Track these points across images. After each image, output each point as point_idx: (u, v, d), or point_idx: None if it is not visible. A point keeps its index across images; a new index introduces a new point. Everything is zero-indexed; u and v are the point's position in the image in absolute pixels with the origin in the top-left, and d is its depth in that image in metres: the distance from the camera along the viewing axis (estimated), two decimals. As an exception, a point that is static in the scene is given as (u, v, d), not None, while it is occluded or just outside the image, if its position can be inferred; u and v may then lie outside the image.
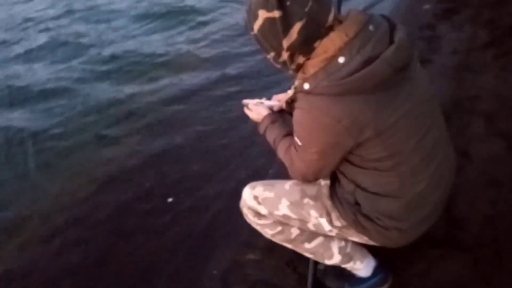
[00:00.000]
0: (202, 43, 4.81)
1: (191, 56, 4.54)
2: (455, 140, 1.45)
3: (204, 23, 5.31)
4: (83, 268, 2.25)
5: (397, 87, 1.12)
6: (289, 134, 1.45)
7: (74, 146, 3.30)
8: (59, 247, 2.41)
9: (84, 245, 2.40)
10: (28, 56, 5.08)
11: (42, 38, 5.50)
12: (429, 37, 3.43)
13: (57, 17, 6.28)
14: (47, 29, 5.87)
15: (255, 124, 1.68)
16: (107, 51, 4.84)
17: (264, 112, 1.62)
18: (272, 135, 1.53)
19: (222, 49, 4.59)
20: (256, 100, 1.69)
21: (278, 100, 1.70)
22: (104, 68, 4.51)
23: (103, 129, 3.47)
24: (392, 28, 1.13)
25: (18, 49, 5.30)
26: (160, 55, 4.60)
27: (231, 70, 4.07)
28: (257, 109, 1.66)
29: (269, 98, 1.73)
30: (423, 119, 1.21)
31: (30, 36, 5.72)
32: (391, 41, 1.09)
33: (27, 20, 6.32)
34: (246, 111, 1.70)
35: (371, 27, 1.10)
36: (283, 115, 1.63)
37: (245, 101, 1.71)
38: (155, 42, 4.98)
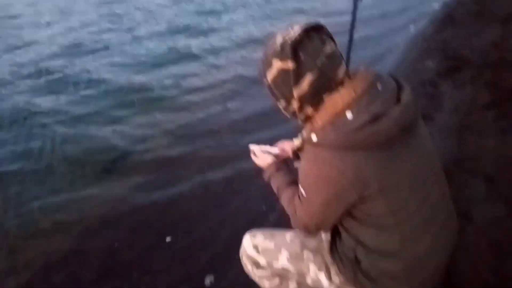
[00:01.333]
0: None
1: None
2: (456, 200, 1.45)
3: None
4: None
5: (402, 146, 1.14)
6: (293, 183, 1.46)
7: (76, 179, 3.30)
8: (50, 279, 2.37)
9: (76, 279, 2.36)
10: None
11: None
12: (431, 94, 3.51)
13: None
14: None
15: (259, 170, 1.70)
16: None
17: (270, 159, 1.65)
18: (276, 183, 1.54)
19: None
20: (262, 147, 1.71)
21: (282, 149, 1.72)
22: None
23: (108, 162, 3.48)
24: (399, 88, 1.16)
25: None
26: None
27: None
28: (263, 156, 1.68)
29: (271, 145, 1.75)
30: (426, 178, 1.23)
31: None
32: (398, 101, 1.13)
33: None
34: (253, 157, 1.72)
35: (379, 86, 1.14)
36: (288, 164, 1.65)
37: (252, 146, 1.73)
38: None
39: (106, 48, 6.64)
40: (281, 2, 8.40)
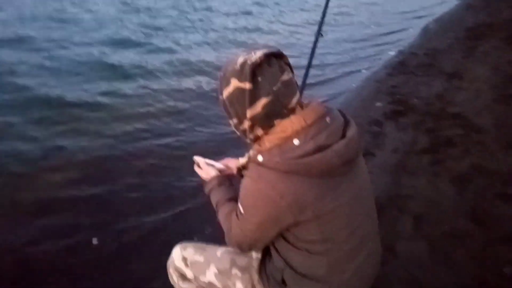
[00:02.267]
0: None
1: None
2: (383, 234, 1.51)
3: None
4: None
5: (341, 178, 1.19)
6: (233, 199, 1.47)
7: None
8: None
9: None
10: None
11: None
12: (376, 133, 3.67)
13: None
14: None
15: (202, 182, 1.69)
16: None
17: (213, 173, 1.64)
18: (216, 197, 1.54)
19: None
20: (207, 160, 1.71)
21: (226, 165, 1.73)
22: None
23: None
24: (346, 124, 1.22)
25: None
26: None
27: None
28: (207, 168, 1.67)
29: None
30: (359, 211, 1.27)
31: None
32: (343, 135, 1.18)
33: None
34: (196, 168, 1.71)
35: (327, 119, 1.18)
36: (230, 181, 1.65)
37: (196, 158, 1.72)
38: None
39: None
40: (244, 32, 8.33)
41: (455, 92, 4.45)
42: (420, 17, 10.34)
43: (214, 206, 1.54)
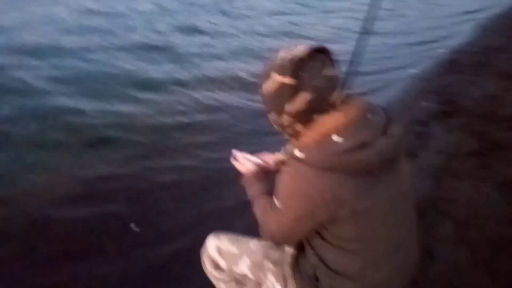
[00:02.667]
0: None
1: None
2: (423, 238, 1.48)
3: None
4: None
5: (381, 176, 1.16)
6: (269, 193, 1.47)
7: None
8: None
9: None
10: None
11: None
12: (420, 133, 3.57)
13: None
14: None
15: (239, 175, 1.71)
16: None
17: (250, 166, 1.66)
18: (252, 190, 1.55)
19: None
20: (245, 155, 1.72)
21: (263, 159, 1.74)
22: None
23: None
24: (388, 121, 1.19)
25: None
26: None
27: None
28: (244, 162, 1.69)
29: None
30: (398, 212, 1.25)
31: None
32: (385, 133, 1.15)
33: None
34: (233, 161, 1.73)
35: (369, 116, 1.16)
36: (267, 173, 1.66)
37: (235, 152, 1.75)
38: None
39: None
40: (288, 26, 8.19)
41: (508, 94, 4.25)
42: (473, 12, 9.88)
43: (250, 198, 1.55)
